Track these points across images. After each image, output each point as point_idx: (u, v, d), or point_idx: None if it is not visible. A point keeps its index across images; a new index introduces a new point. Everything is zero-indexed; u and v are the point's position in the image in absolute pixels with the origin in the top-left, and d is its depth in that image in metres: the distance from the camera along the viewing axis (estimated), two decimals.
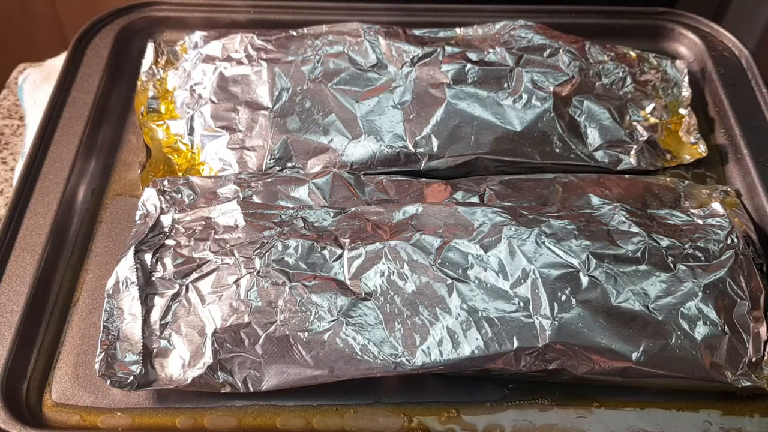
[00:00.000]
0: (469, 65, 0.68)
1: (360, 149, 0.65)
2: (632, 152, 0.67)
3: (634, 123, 0.69)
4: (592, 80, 0.69)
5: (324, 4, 0.73)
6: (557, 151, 0.66)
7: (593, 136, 0.67)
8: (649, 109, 0.70)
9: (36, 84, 0.80)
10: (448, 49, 0.69)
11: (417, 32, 0.72)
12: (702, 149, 0.69)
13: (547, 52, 0.70)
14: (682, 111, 0.71)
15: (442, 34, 0.73)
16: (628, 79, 0.71)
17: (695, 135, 0.69)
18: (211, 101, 0.67)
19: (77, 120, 0.69)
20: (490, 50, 0.70)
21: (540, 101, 0.66)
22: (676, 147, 0.69)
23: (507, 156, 0.66)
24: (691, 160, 0.68)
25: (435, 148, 0.65)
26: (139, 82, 0.71)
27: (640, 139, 0.68)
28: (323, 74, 0.68)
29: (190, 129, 0.67)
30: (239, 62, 0.69)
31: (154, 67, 0.72)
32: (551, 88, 0.67)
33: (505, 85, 0.67)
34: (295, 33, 0.72)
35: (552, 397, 0.55)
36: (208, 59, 0.70)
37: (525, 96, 0.67)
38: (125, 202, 0.66)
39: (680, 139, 0.70)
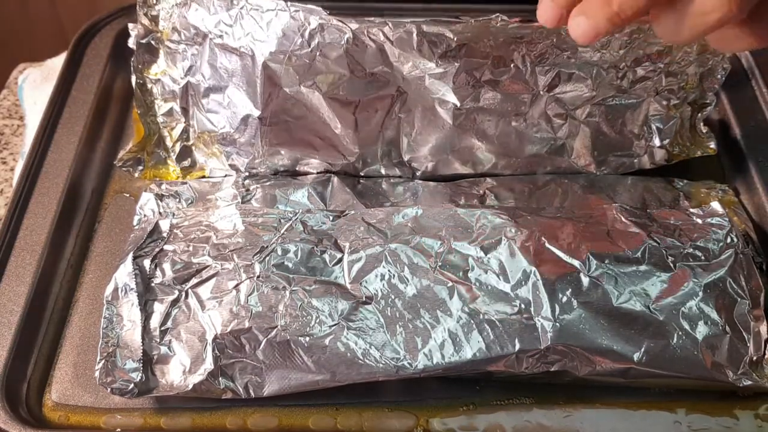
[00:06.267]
0: (486, 87, 0.59)
1: (355, 166, 0.63)
2: (638, 158, 0.65)
3: (651, 125, 0.64)
4: (611, 85, 0.61)
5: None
6: (562, 166, 0.64)
7: (603, 151, 0.64)
8: (674, 101, 0.64)
9: (36, 84, 0.79)
10: (468, 61, 0.58)
11: (431, 29, 0.57)
12: (712, 146, 0.66)
13: (578, 66, 0.60)
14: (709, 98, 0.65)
15: (460, 26, 0.58)
16: (652, 75, 0.62)
17: (708, 132, 0.66)
18: (203, 75, 0.61)
19: (77, 120, 0.68)
20: (520, 65, 0.59)
21: (555, 127, 0.62)
22: (687, 142, 0.66)
23: (504, 173, 0.64)
24: (700, 155, 0.66)
25: (429, 168, 0.64)
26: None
27: (651, 144, 0.64)
28: (318, 78, 0.58)
29: (184, 101, 0.63)
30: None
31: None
32: (569, 113, 0.62)
33: (522, 109, 0.61)
34: None
35: (538, 397, 0.55)
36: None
37: (541, 123, 0.61)
38: (125, 202, 0.66)
39: (696, 134, 0.66)
